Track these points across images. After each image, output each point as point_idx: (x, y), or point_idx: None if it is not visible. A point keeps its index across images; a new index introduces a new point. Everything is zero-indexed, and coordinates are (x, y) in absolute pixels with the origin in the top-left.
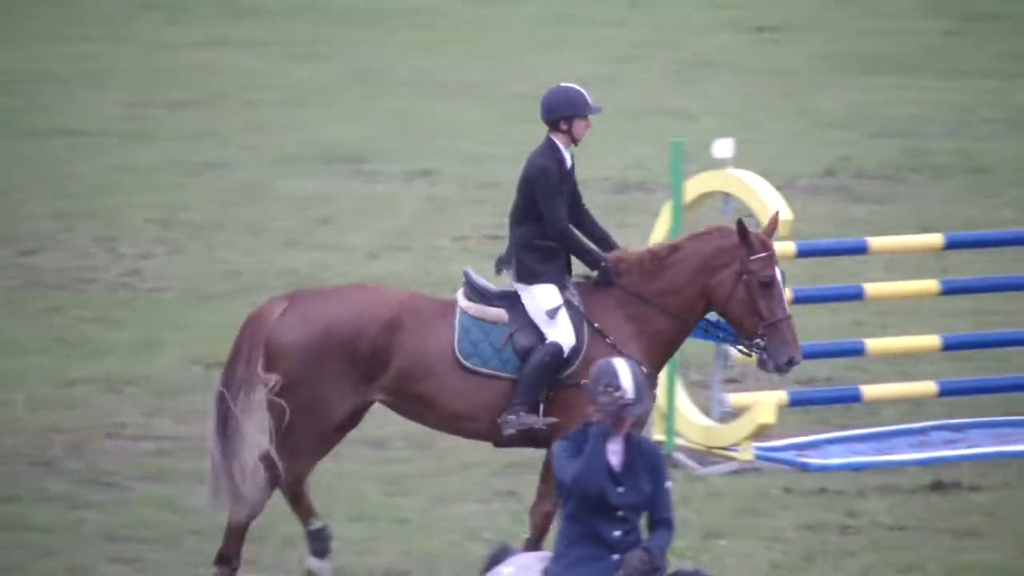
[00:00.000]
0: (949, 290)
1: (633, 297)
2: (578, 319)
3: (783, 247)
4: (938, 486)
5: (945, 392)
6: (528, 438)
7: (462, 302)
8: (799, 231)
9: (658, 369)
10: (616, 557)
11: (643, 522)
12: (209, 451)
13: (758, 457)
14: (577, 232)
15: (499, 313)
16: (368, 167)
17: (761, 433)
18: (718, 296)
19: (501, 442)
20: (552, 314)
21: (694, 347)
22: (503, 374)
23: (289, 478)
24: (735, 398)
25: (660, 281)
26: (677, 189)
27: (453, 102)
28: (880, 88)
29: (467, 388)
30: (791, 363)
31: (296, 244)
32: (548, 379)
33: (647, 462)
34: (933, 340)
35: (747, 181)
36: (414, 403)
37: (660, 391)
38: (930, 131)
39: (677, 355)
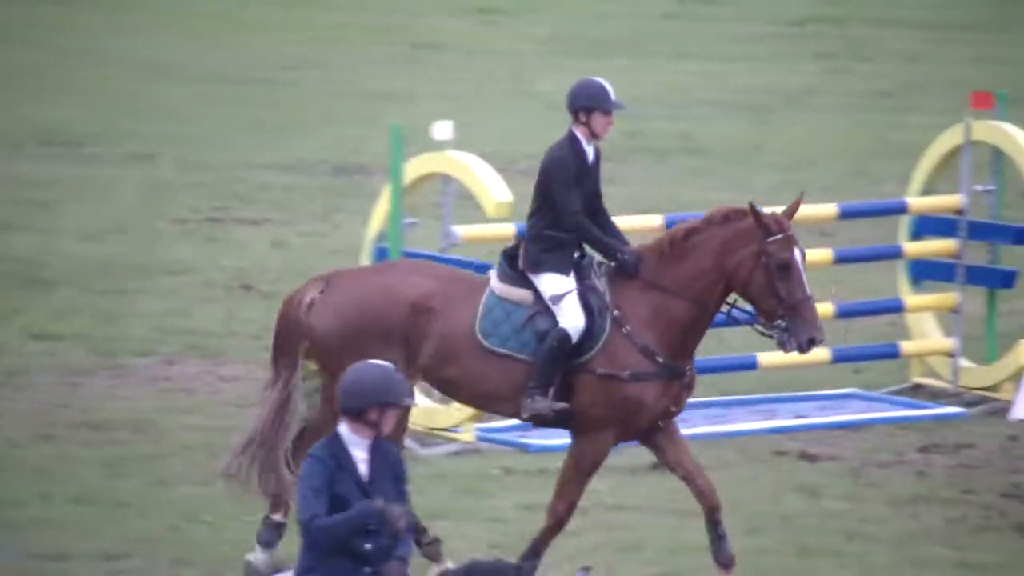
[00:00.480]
0: None
1: (654, 285)
2: (601, 305)
3: (502, 229)
4: (658, 466)
5: None
6: (556, 420)
7: (493, 282)
8: (520, 213)
9: (677, 358)
10: (369, 570)
11: None
12: (254, 433)
13: (479, 438)
14: (591, 224)
15: (524, 294)
16: (88, 150)
17: (482, 414)
18: (737, 279)
19: (533, 422)
20: (558, 300)
21: None
22: (521, 355)
23: None
24: None
25: (681, 267)
26: (396, 172)
27: (174, 85)
28: (600, 70)
29: (487, 369)
30: (812, 342)
31: (16, 228)
32: (559, 364)
33: (391, 468)
34: None
35: (467, 163)
36: (445, 384)
37: None
38: (650, 113)
39: None
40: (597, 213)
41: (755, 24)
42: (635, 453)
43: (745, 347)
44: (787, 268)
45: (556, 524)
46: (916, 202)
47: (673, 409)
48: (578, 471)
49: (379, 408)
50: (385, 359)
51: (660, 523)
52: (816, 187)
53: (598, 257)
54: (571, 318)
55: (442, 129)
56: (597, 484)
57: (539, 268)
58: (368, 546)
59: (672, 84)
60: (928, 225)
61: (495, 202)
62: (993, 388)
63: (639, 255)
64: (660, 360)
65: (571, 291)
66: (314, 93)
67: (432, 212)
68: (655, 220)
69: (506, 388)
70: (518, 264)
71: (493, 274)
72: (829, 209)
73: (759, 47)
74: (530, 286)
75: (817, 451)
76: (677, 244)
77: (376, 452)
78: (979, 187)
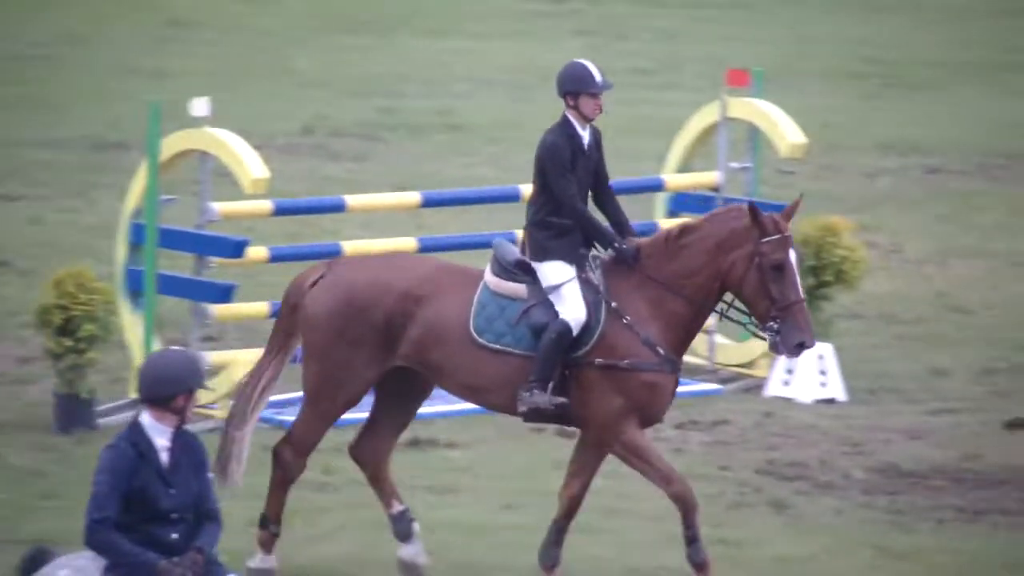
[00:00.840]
0: (425, 248)
1: (651, 280)
2: (596, 297)
3: (259, 206)
4: (414, 443)
5: None
6: (553, 415)
7: (487, 276)
8: (277, 190)
9: (677, 352)
10: (176, 559)
11: None
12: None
13: None
14: (589, 211)
15: (518, 288)
16: None
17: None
18: (731, 278)
19: (525, 417)
20: (558, 289)
21: (170, 305)
22: (516, 350)
23: (301, 443)
24: (213, 356)
25: (676, 263)
26: (154, 148)
27: None
28: (357, 47)
29: (481, 363)
30: (802, 347)
31: None
32: (559, 357)
33: (192, 456)
34: None
35: (224, 139)
36: (433, 372)
37: (137, 351)
38: (406, 90)
39: (153, 313)
40: (603, 196)
41: (515, 1)
42: None
43: None
44: (780, 269)
45: (684, 503)
46: (673, 179)
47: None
48: (647, 463)
49: (186, 395)
50: (366, 345)
51: (417, 500)
52: None
53: (593, 251)
54: (572, 309)
55: (199, 106)
56: (352, 461)
57: (545, 256)
58: (174, 536)
59: (431, 61)
60: (685, 202)
61: (252, 178)
62: (748, 365)
63: (638, 247)
64: (662, 351)
65: (571, 279)
66: (71, 68)
67: (189, 188)
68: (413, 197)
69: (500, 382)
70: (513, 255)
71: (487, 268)
72: None
73: (519, 24)
74: (524, 280)
75: (574, 428)
76: (674, 240)
77: (178, 440)
78: (735, 164)
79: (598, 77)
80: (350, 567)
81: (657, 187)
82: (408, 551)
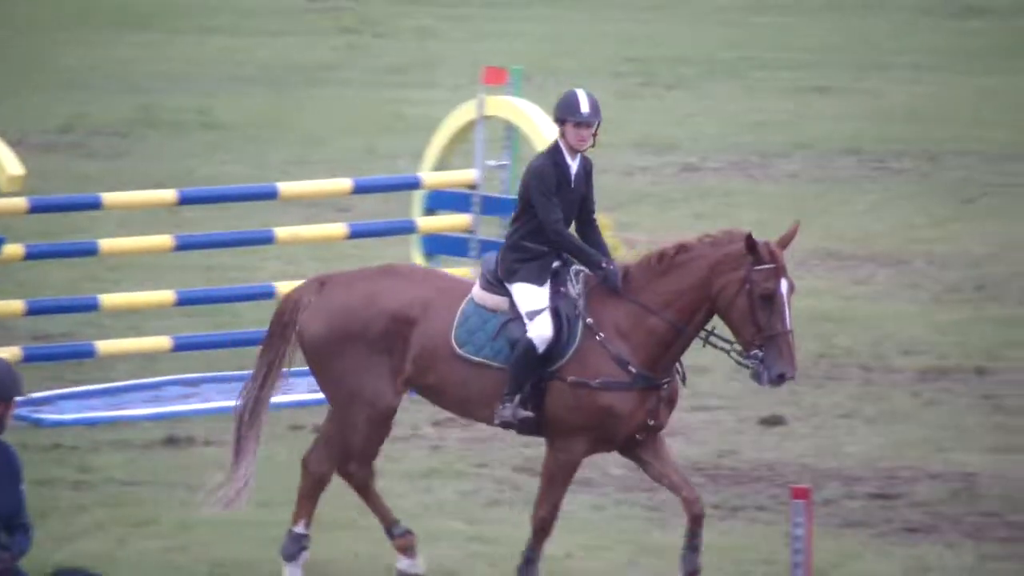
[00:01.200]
0: (182, 245)
1: (635, 298)
2: (573, 313)
3: (15, 203)
4: (171, 441)
5: (179, 347)
6: (528, 428)
7: (475, 289)
8: (32, 187)
9: (654, 370)
10: None
11: None
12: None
13: None
14: (572, 235)
15: (501, 301)
16: None
17: None
18: (720, 301)
19: (504, 428)
20: (532, 315)
21: None
22: (495, 363)
23: (348, 469)
24: None
25: (665, 281)
26: None
27: None
28: (116, 43)
29: (464, 376)
30: (782, 378)
31: None
32: (529, 372)
33: (7, 466)
34: (167, 295)
35: None
36: (430, 393)
37: None
38: (165, 87)
39: None
40: (586, 228)
41: None
42: (148, 427)
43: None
44: (770, 299)
45: (540, 530)
46: (430, 177)
47: (651, 423)
48: (552, 481)
49: (4, 404)
50: (372, 366)
51: (173, 498)
52: (331, 162)
53: (577, 266)
54: (538, 328)
55: None
56: (108, 459)
57: (513, 277)
58: None
59: (190, 58)
60: (444, 200)
61: (8, 175)
62: None
63: (625, 268)
64: (633, 370)
65: (542, 299)
66: None
67: None
68: (169, 194)
69: (483, 395)
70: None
71: (476, 282)
72: (344, 184)
73: (279, 21)
74: (508, 293)
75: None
76: (670, 257)
77: None
78: (492, 162)
79: (584, 108)
80: (105, 565)
81: (414, 185)
82: (404, 563)
